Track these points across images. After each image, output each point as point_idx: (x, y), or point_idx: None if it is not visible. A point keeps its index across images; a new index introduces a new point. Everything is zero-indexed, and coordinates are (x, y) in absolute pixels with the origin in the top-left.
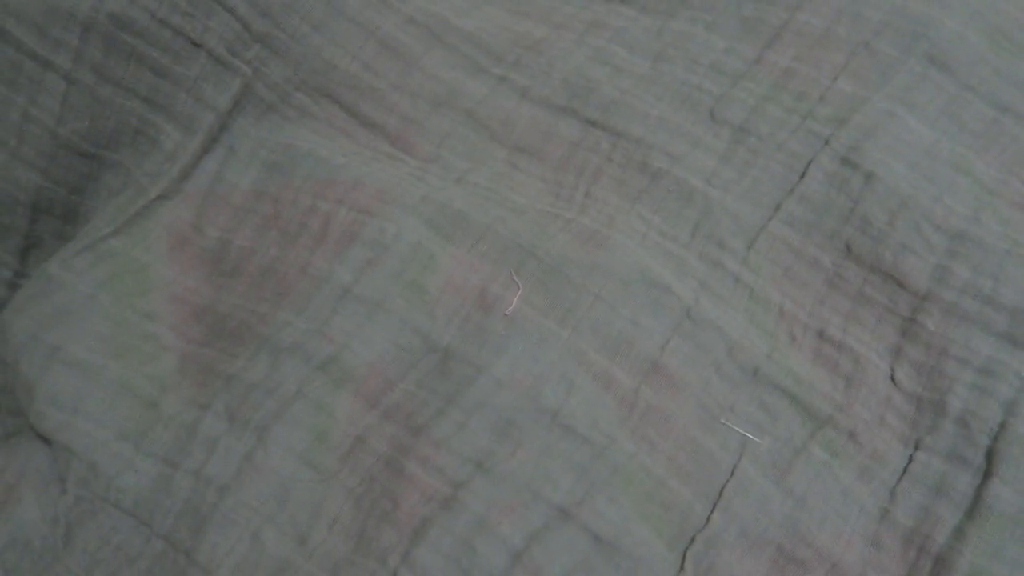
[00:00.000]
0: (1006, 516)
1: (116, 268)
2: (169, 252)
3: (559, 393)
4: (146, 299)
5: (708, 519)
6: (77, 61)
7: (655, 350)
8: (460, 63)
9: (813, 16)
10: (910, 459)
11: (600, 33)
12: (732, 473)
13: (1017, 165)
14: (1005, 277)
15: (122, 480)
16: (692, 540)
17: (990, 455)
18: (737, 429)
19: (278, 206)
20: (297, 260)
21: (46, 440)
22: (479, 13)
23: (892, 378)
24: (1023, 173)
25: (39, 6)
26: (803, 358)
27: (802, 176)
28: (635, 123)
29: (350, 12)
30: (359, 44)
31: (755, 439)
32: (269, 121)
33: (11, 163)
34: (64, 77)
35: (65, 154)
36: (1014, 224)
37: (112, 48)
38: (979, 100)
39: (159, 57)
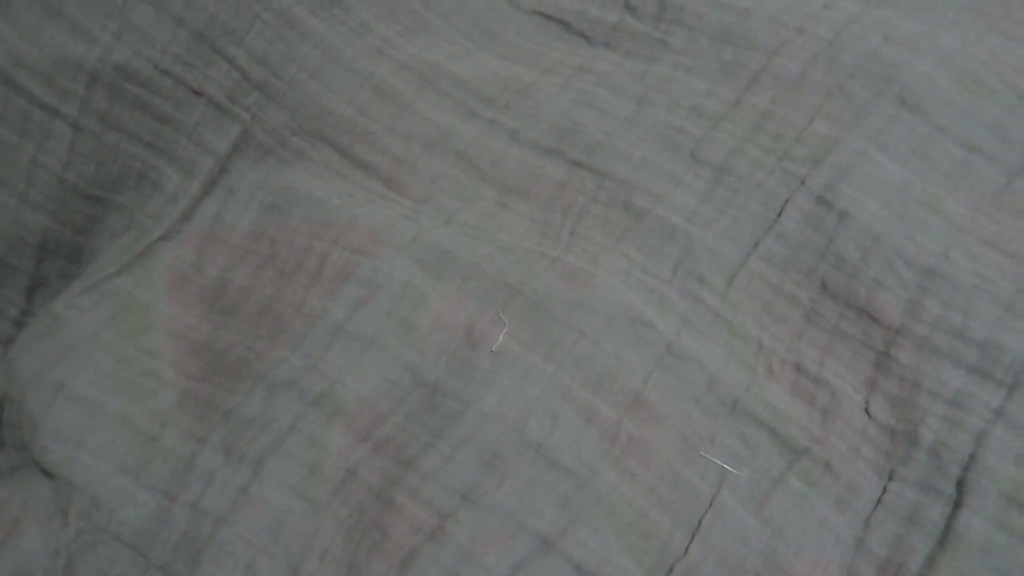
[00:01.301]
0: (976, 545)
1: (119, 306)
2: (170, 291)
3: (544, 426)
4: (147, 336)
5: (687, 549)
6: (84, 109)
7: (637, 384)
8: (452, 107)
9: (789, 60)
10: (884, 489)
11: (586, 77)
12: (711, 503)
13: (985, 203)
14: (974, 312)
15: (122, 513)
16: (671, 570)
17: (960, 485)
18: (716, 461)
19: (275, 246)
20: (293, 298)
21: (49, 474)
22: (470, 59)
23: (867, 410)
24: (991, 211)
25: (48, 58)
26: (781, 391)
27: (779, 214)
28: (619, 164)
29: (345, 60)
30: (354, 90)
31: (733, 471)
32: (267, 164)
33: (20, 206)
34: (71, 125)
35: (71, 197)
36: (983, 260)
37: (117, 97)
38: (949, 140)
39: (162, 105)
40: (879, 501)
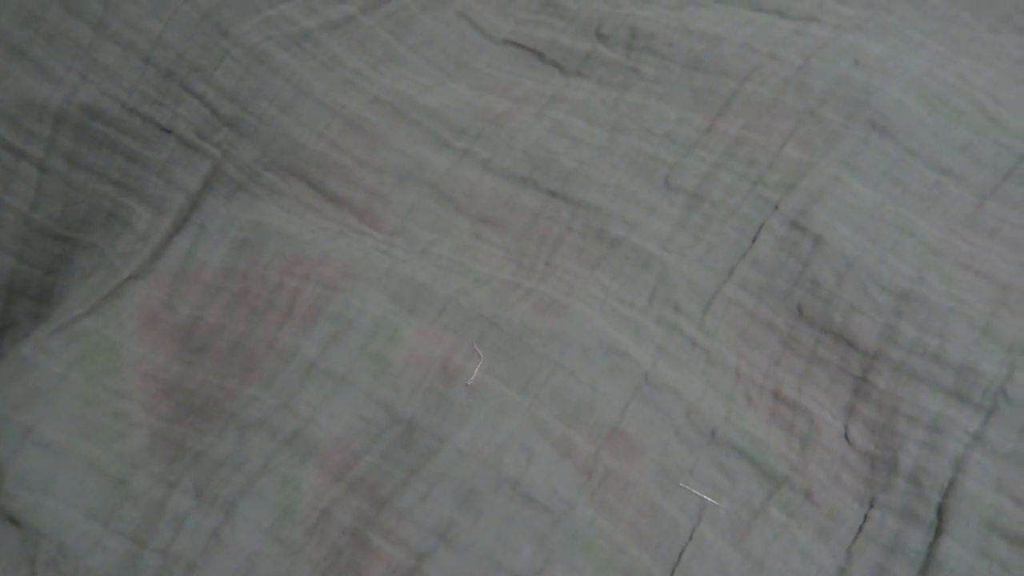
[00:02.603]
0: (956, 573)
1: (88, 348)
2: (141, 330)
3: (519, 462)
4: (117, 377)
5: None
6: (50, 150)
7: (614, 415)
8: (424, 138)
9: (761, 86)
10: (865, 517)
11: (559, 106)
12: (691, 537)
13: (959, 225)
14: (950, 334)
15: (90, 560)
16: None
17: (941, 512)
18: (696, 492)
19: (247, 282)
20: (265, 335)
21: (15, 521)
22: (442, 89)
23: (846, 436)
24: (965, 232)
25: (12, 99)
26: (759, 419)
27: (754, 240)
28: (593, 192)
29: (316, 94)
30: (325, 123)
31: (713, 502)
32: (239, 200)
33: None
34: (37, 166)
35: (39, 238)
36: (957, 282)
37: (84, 137)
38: (920, 163)
39: (130, 143)
40: (860, 529)
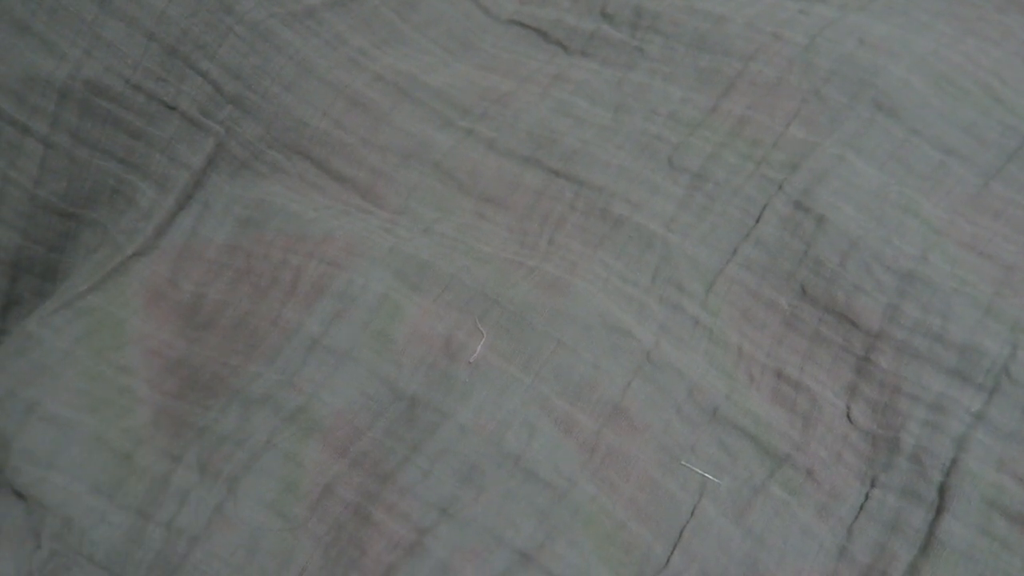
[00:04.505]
0: (958, 551)
1: (93, 324)
2: (145, 307)
3: (521, 438)
4: (122, 353)
5: (668, 560)
6: (54, 126)
7: (616, 393)
8: (428, 117)
9: (766, 66)
10: (867, 496)
11: (563, 86)
12: (692, 513)
13: (963, 205)
14: (953, 315)
15: (95, 533)
16: None
17: (942, 491)
18: (696, 470)
19: (251, 260)
20: (268, 312)
21: (21, 495)
22: (447, 69)
23: (848, 416)
24: (969, 213)
25: (17, 75)
26: (762, 398)
27: (757, 220)
28: (597, 172)
29: (320, 72)
30: (329, 102)
31: (715, 479)
32: (243, 178)
33: None
34: (42, 141)
35: (44, 214)
36: (961, 263)
37: (88, 113)
38: (925, 143)
39: (134, 120)
40: (861, 508)
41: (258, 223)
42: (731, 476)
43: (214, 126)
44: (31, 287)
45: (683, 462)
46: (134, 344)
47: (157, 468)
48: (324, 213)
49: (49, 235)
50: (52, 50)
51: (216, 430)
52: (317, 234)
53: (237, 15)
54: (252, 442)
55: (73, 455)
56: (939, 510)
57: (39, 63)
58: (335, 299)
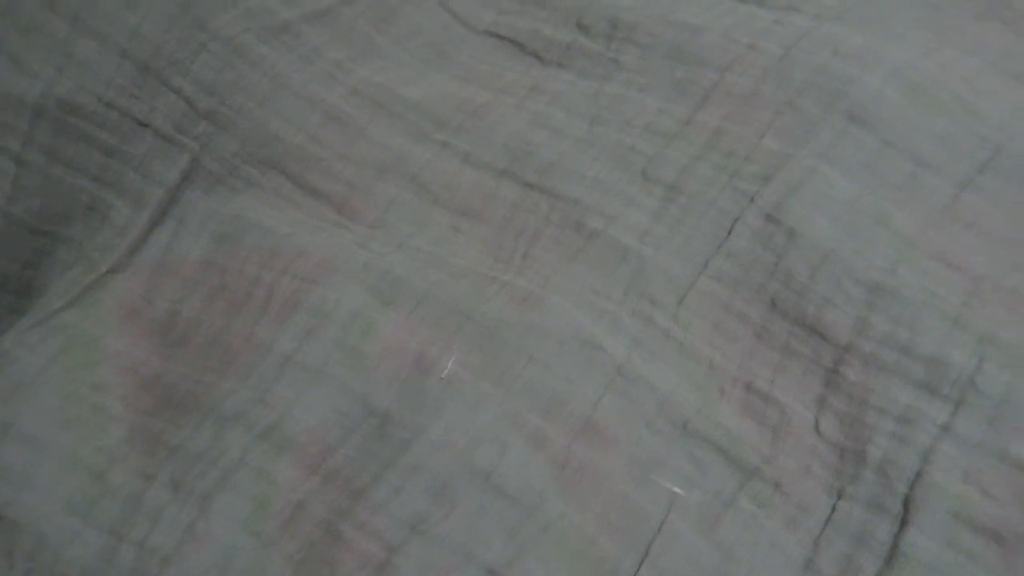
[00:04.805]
0: (922, 564)
1: (67, 341)
2: (120, 324)
3: (492, 454)
4: (96, 371)
5: (636, 574)
6: (27, 144)
7: (588, 408)
8: (405, 130)
9: (741, 76)
10: (833, 508)
11: (539, 97)
12: (661, 528)
13: (934, 216)
14: (922, 327)
15: (68, 552)
16: None
17: (907, 503)
18: (666, 484)
19: (225, 276)
20: (242, 329)
21: None
22: (423, 81)
23: (817, 428)
24: (940, 223)
25: None
26: (732, 411)
27: (729, 233)
28: (572, 184)
29: (295, 86)
30: (304, 117)
31: (682, 493)
32: (218, 193)
33: None
34: (14, 160)
35: (18, 232)
36: (931, 275)
37: (61, 131)
38: (898, 154)
39: (107, 138)
40: (828, 520)
41: (233, 239)
42: (701, 490)
43: (188, 142)
44: (6, 304)
45: (653, 477)
46: (108, 361)
47: (131, 487)
48: (299, 228)
49: (23, 252)
50: (24, 69)
51: (190, 448)
52: (291, 250)
53: (211, 31)
54: (225, 460)
55: (47, 474)
56: (904, 522)
57: (11, 82)
58: (308, 315)
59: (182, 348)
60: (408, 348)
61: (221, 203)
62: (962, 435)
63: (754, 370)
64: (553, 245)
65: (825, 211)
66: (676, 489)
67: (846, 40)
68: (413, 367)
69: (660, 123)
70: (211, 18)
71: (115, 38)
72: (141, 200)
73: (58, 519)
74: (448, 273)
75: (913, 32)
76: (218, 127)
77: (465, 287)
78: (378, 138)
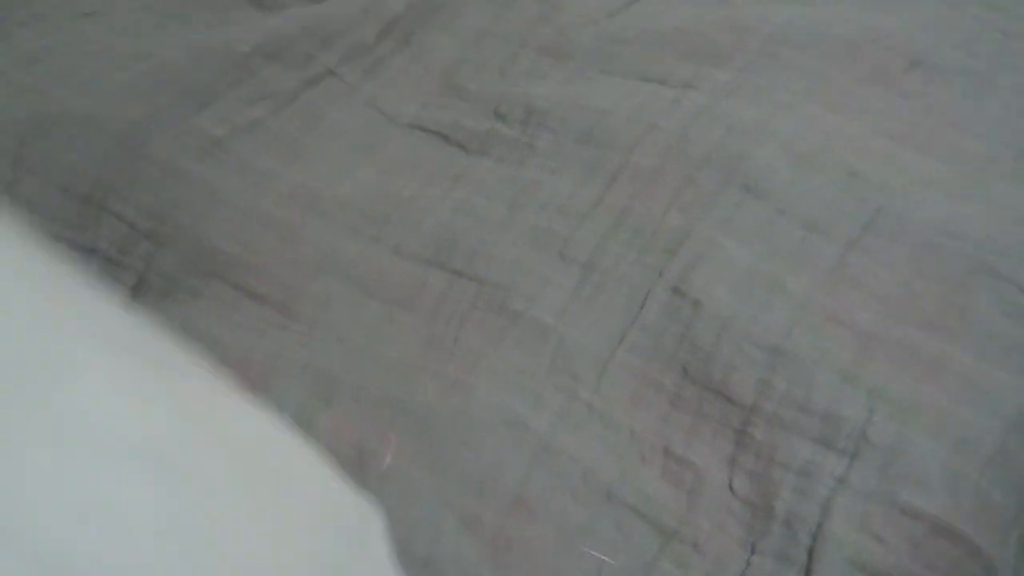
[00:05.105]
0: None
1: None
2: None
3: (428, 541)
4: None
5: None
6: None
7: (516, 485)
8: (337, 229)
9: (644, 157)
10: (747, 563)
11: (463, 186)
12: None
13: (823, 278)
14: (815, 385)
15: None
16: None
17: (811, 553)
18: (593, 553)
19: None
20: None
21: None
22: (352, 178)
23: (730, 487)
24: (829, 285)
25: None
26: (652, 476)
27: (641, 307)
28: (495, 269)
29: (229, 199)
30: (240, 226)
31: (610, 561)
32: (165, 306)
33: None
34: None
35: None
36: (823, 334)
37: None
38: (789, 222)
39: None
40: (743, 574)
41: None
42: (625, 555)
43: (133, 262)
44: None
45: (582, 548)
46: None
47: None
48: (242, 334)
49: None
50: None
51: None
52: (236, 357)
53: (148, 157)
54: None
55: None
56: (808, 572)
57: None
58: None
59: None
60: (347, 443)
61: (168, 315)
62: (856, 486)
63: (670, 435)
64: (480, 329)
65: (724, 280)
66: (604, 558)
67: (739, 115)
68: (354, 462)
69: (573, 204)
70: (146, 146)
71: (55, 176)
72: None
73: None
74: (384, 365)
75: (801, 102)
76: (159, 245)
77: (398, 378)
78: (312, 239)
